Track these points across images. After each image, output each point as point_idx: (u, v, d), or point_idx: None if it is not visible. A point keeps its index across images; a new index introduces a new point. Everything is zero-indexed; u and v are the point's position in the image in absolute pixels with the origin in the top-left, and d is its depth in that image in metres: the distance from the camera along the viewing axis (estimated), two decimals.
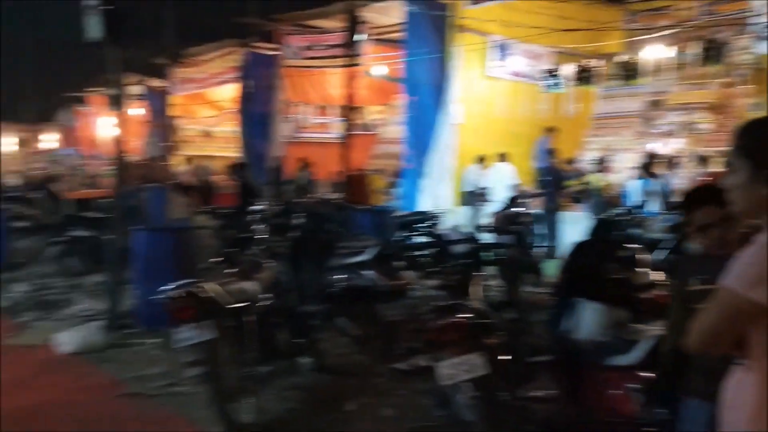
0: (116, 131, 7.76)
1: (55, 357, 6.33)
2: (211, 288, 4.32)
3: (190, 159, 21.28)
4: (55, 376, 5.85)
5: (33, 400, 5.27)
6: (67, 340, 6.50)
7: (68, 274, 9.97)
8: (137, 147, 22.54)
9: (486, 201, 12.09)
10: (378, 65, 16.67)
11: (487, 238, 8.15)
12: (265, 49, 18.45)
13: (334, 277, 5.80)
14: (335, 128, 19.80)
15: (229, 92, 19.94)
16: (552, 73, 13.59)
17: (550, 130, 13.06)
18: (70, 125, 29.23)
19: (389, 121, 19.72)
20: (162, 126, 18.58)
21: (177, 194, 11.27)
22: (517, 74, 13.98)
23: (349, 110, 10.93)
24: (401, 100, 13.78)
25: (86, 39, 7.18)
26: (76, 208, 13.70)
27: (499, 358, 3.57)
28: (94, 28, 6.98)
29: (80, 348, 6.40)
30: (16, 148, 31.36)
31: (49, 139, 31.31)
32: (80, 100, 27.01)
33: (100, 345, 6.50)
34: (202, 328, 4.17)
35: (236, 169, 12.56)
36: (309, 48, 17.24)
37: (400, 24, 13.24)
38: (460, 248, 5.27)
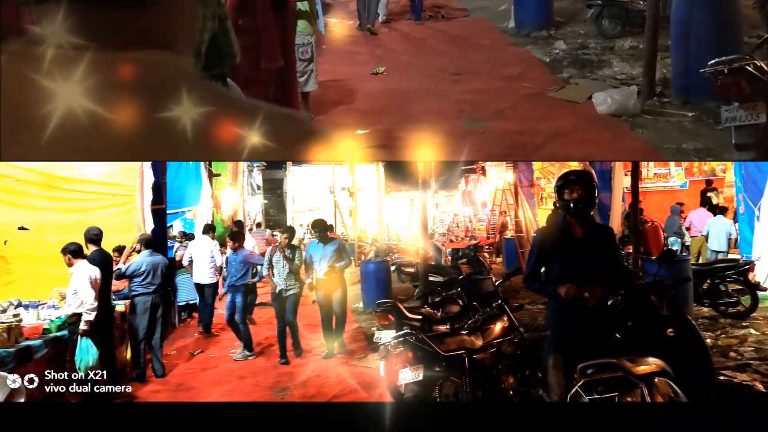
0: None
1: (593, 115, 6.91)
2: None
3: None
4: (594, 133, 6.45)
5: (584, 150, 5.98)
6: (603, 101, 6.98)
7: (605, 35, 10.30)
8: None
9: None
10: None
11: None
12: None
13: None
14: None
15: None
16: None
17: None
18: None
19: None
20: None
21: None
22: None
23: None
24: None
25: None
26: None
27: None
28: None
29: (615, 110, 6.83)
30: None
31: None
32: None
33: (635, 110, 6.83)
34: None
35: None
36: None
37: None
38: None
